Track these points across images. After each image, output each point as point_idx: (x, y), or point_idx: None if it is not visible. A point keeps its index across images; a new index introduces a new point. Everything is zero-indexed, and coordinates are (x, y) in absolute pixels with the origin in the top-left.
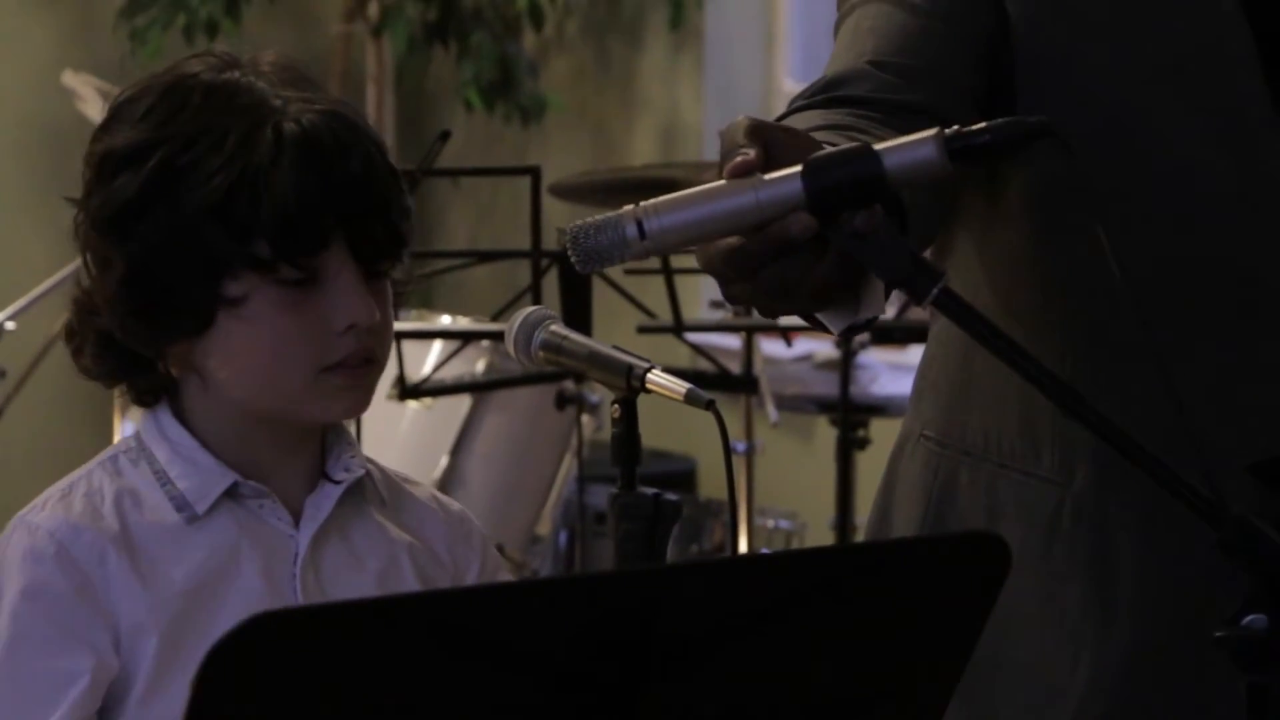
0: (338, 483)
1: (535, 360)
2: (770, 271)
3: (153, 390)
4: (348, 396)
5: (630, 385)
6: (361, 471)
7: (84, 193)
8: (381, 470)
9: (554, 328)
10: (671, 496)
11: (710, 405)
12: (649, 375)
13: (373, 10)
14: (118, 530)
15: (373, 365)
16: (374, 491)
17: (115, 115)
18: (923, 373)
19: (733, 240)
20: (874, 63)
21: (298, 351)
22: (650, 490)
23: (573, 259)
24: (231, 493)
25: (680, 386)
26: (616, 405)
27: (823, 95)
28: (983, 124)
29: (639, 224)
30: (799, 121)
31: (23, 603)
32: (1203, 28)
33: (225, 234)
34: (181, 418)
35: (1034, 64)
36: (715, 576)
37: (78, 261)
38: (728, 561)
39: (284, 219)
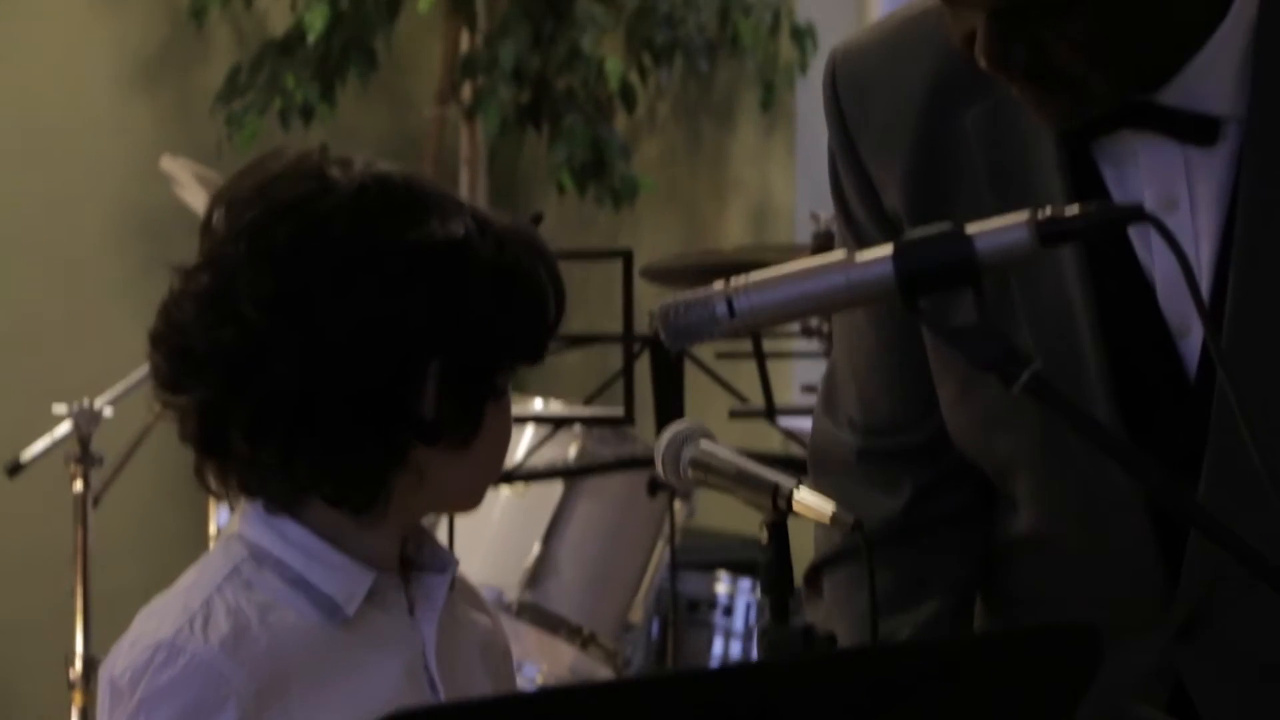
0: (439, 570)
1: (684, 479)
2: None
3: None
4: None
5: (777, 506)
6: (458, 561)
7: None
8: None
9: (704, 444)
10: (825, 630)
11: (857, 526)
12: (795, 495)
13: (466, 93)
14: (268, 649)
15: None
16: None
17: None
18: None
19: None
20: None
21: None
22: (801, 622)
23: (662, 336)
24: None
25: (827, 507)
26: (765, 529)
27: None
28: (1075, 207)
29: (729, 302)
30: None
31: None
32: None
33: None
34: (297, 520)
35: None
36: (825, 673)
37: None
38: (836, 657)
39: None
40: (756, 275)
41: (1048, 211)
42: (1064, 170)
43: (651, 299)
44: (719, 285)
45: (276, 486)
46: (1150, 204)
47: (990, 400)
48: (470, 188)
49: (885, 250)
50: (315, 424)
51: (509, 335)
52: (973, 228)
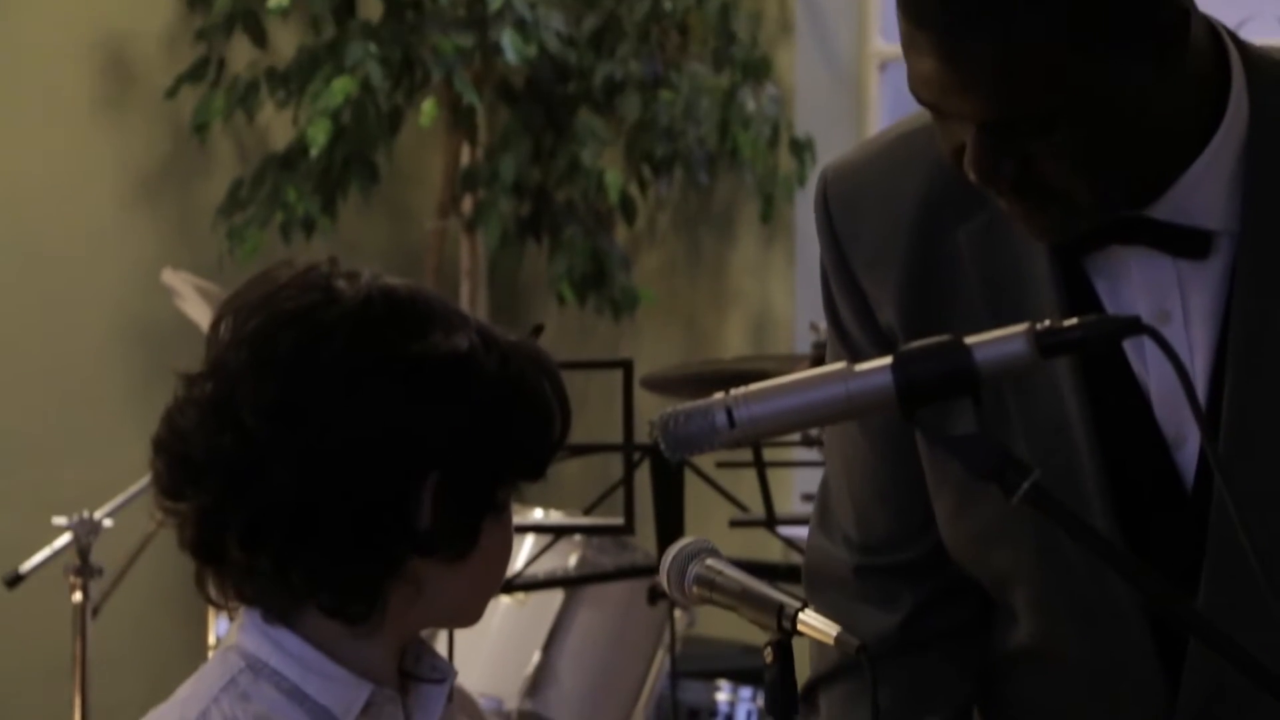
0: (437, 681)
1: (689, 596)
2: None
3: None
4: None
5: (782, 626)
6: (457, 673)
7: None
8: None
9: (710, 561)
10: None
11: (861, 650)
12: (800, 615)
13: (467, 206)
14: None
15: None
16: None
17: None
18: None
19: None
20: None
21: None
22: None
23: (662, 446)
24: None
25: (831, 629)
26: (770, 649)
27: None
28: (1074, 320)
29: (729, 412)
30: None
31: None
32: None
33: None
34: (294, 631)
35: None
36: None
37: None
38: None
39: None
40: (756, 385)
41: (1046, 323)
42: (1057, 285)
43: (652, 409)
44: (719, 395)
45: (273, 595)
46: (1144, 317)
47: (988, 513)
48: (471, 299)
49: (884, 361)
50: (311, 533)
51: (510, 451)
52: (972, 339)
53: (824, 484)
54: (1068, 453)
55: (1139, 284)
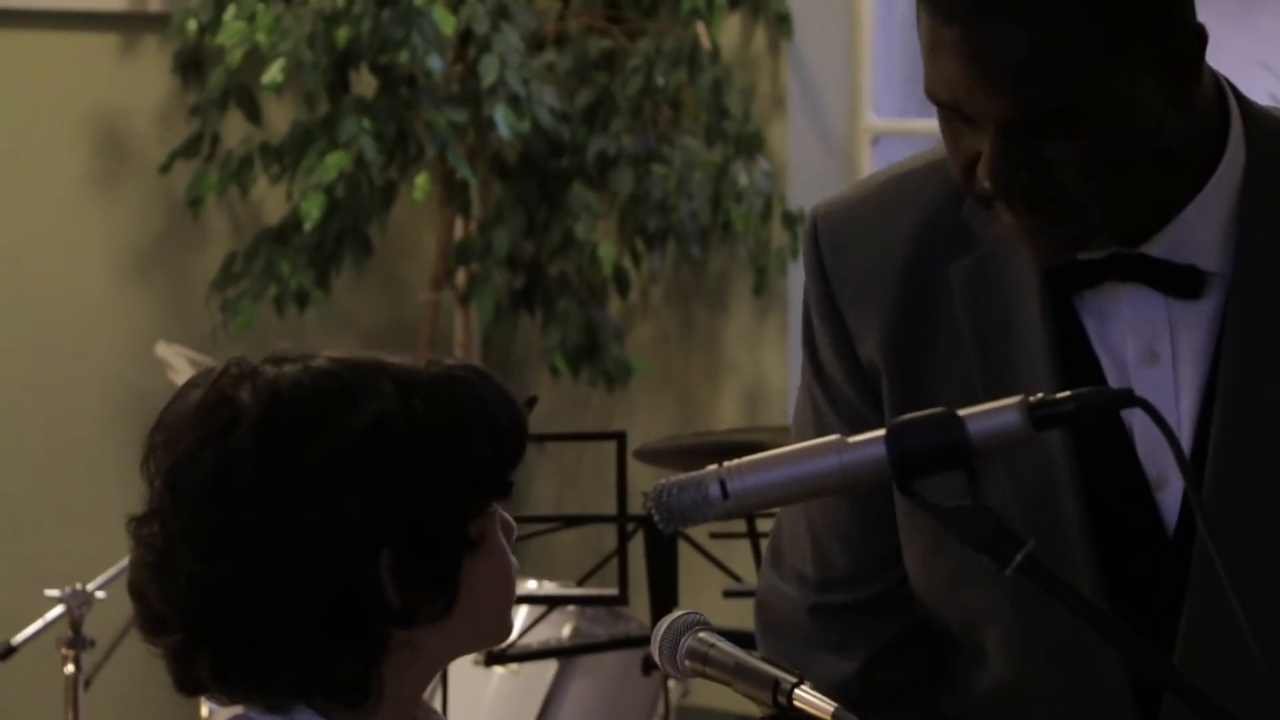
0: None
1: (681, 670)
2: None
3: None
4: None
5: (777, 702)
6: None
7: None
8: None
9: (702, 634)
10: None
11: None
12: (796, 691)
13: (460, 279)
14: None
15: None
16: None
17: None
18: None
19: None
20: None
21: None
22: None
23: (656, 518)
24: None
25: (828, 705)
26: None
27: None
28: (1067, 392)
29: (722, 484)
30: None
31: None
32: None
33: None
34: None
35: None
36: None
37: None
38: None
39: (509, 444)
40: (749, 458)
41: (1039, 396)
42: (1047, 323)
43: (645, 480)
44: (712, 467)
45: (265, 701)
46: (1132, 356)
47: (963, 553)
48: None
49: (878, 433)
50: (281, 651)
51: (467, 483)
52: (965, 411)
53: (777, 524)
54: (1050, 491)
55: (1129, 323)
